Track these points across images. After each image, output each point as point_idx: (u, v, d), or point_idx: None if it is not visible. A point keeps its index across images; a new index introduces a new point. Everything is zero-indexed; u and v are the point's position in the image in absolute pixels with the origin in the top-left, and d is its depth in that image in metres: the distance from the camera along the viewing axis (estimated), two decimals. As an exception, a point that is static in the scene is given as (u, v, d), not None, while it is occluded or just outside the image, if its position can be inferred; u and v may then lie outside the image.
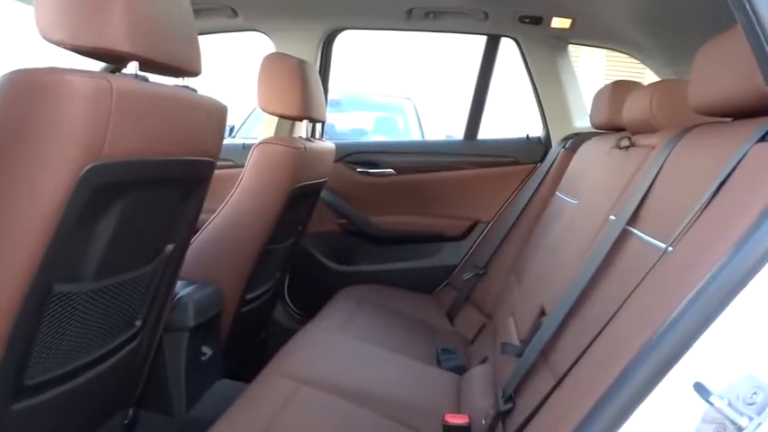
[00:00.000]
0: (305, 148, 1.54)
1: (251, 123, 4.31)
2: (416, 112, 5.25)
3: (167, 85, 0.92)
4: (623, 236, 0.93)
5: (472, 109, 2.10)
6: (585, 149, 1.66)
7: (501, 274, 1.82)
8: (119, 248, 0.92)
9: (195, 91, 1.01)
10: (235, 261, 1.52)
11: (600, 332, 0.73)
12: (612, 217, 1.04)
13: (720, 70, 0.78)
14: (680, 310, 0.51)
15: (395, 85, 7.01)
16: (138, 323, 1.11)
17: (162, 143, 0.89)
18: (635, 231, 0.90)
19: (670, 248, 0.68)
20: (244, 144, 2.14)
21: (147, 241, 1.02)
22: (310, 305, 2.10)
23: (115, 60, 0.86)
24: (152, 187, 0.93)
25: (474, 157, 2.09)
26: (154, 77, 0.93)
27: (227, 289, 1.49)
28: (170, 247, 1.10)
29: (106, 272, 0.92)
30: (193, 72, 0.98)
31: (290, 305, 2.15)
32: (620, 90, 1.43)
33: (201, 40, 2.09)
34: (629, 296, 0.70)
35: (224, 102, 1.10)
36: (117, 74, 0.84)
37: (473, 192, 2.07)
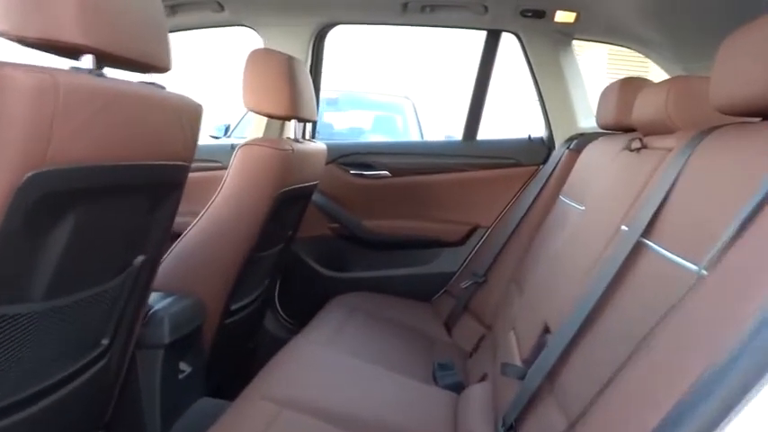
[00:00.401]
0: (292, 149, 1.44)
1: (247, 123, 4.22)
2: (415, 112, 5.15)
3: (128, 82, 0.82)
4: (637, 249, 0.83)
5: (471, 108, 2.00)
6: (591, 151, 1.56)
7: (501, 282, 1.73)
8: (75, 264, 0.82)
9: (163, 88, 0.91)
10: (217, 270, 1.42)
11: (621, 368, 0.63)
12: (624, 227, 0.94)
13: (748, 64, 0.69)
14: (728, 356, 0.41)
15: (392, 83, 6.91)
16: (105, 342, 1.01)
17: (122, 146, 0.79)
18: (651, 245, 0.81)
19: (704, 272, 0.58)
20: (233, 144, 2.05)
21: (110, 254, 0.92)
22: (302, 313, 2.01)
23: (67, 54, 0.77)
24: (112, 195, 0.84)
25: (473, 158, 1.99)
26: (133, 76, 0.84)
27: (208, 300, 1.40)
28: (140, 258, 1.00)
29: (60, 290, 0.82)
30: (161, 67, 0.89)
31: (281, 313, 2.06)
32: (629, 87, 1.34)
33: (192, 35, 2.02)
34: (655, 327, 0.60)
35: (199, 100, 1.01)
36: (68, 69, 0.75)
37: (472, 195, 1.97)
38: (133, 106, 0.80)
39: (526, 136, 2.00)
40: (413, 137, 4.93)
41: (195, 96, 0.99)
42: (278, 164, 1.40)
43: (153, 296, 1.27)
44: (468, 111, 2.00)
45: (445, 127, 5.62)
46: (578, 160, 1.63)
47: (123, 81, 0.80)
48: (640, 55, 1.96)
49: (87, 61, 0.75)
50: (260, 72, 1.43)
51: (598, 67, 6.53)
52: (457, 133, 2.22)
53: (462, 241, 1.97)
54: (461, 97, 2.39)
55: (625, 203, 1.01)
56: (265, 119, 1.89)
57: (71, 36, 0.72)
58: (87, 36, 0.73)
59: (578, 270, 1.06)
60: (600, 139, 1.55)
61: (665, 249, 0.75)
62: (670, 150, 0.95)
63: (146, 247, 1.01)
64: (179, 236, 1.41)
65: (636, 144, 1.11)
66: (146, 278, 1.05)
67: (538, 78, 1.90)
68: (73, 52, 0.75)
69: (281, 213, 1.53)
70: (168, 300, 1.28)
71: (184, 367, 1.31)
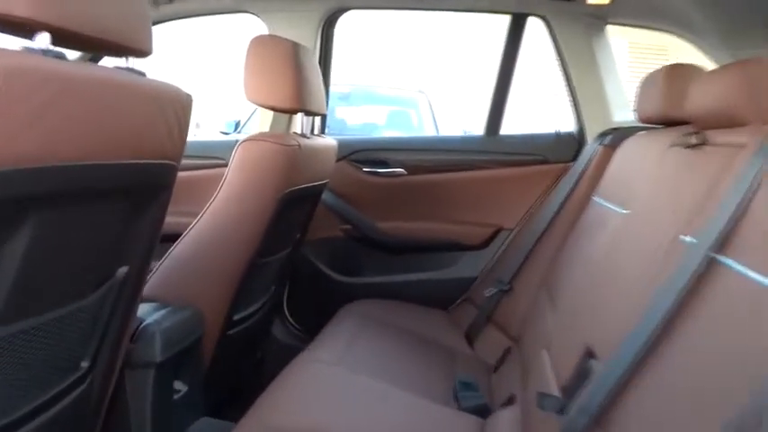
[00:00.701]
0: (299, 145, 1.31)
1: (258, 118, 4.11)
2: (430, 107, 5.01)
3: (94, 66, 0.69)
4: (711, 267, 0.68)
5: (494, 100, 1.85)
6: (630, 147, 1.41)
7: (529, 290, 1.58)
8: (37, 281, 0.70)
9: (142, 75, 0.78)
10: (217, 278, 1.30)
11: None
12: (687, 238, 0.79)
13: None
14: None
15: (406, 76, 6.75)
16: (85, 364, 0.89)
17: (85, 142, 0.66)
18: (730, 263, 0.66)
19: None
20: (239, 140, 1.92)
21: (83, 267, 0.80)
22: (312, 320, 1.89)
23: (21, 32, 0.64)
24: (79, 201, 0.71)
25: (496, 154, 1.84)
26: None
27: (208, 311, 1.27)
28: (122, 270, 0.88)
29: (21, 312, 0.70)
30: (138, 49, 0.76)
31: (290, 320, 1.93)
32: (679, 75, 1.18)
33: (199, 24, 1.89)
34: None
35: (188, 90, 0.88)
36: (18, 48, 0.62)
37: (495, 194, 1.82)
38: (99, 94, 0.67)
39: (553, 131, 1.84)
40: (428, 133, 4.79)
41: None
42: (283, 161, 1.27)
43: (144, 308, 1.15)
44: (491, 103, 1.85)
45: (463, 122, 5.45)
46: (614, 157, 1.47)
47: (87, 65, 0.67)
48: (660, 45, 1.79)
49: (42, 40, 0.62)
50: (263, 60, 1.30)
51: (619, 58, 6.28)
52: (475, 129, 2.08)
53: (484, 245, 1.83)
54: (479, 91, 2.24)
55: (684, 209, 0.86)
56: (271, 113, 1.76)
57: (21, 9, 0.59)
58: (41, 10, 0.60)
59: (627, 284, 0.91)
60: (640, 133, 1.39)
61: (755, 272, 0.60)
62: (742, 147, 0.80)
63: (129, 257, 0.89)
64: (177, 238, 1.30)
65: (694, 139, 0.96)
66: (131, 291, 0.93)
67: (568, 67, 1.73)
68: (26, 29, 0.63)
69: (288, 215, 1.41)
70: (162, 312, 1.16)
71: (180, 386, 1.19)
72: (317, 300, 1.89)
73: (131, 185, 0.79)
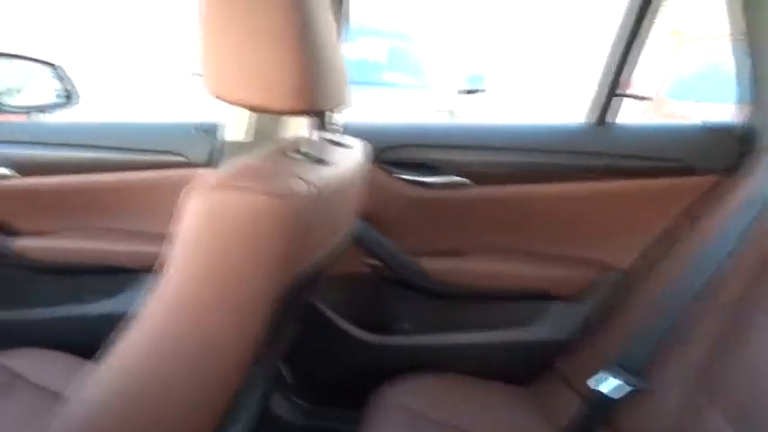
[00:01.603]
0: (316, 188, 0.67)
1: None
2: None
3: None
4: None
5: (606, 68, 1.18)
6: None
7: (675, 388, 1.00)
8: None
9: None
10: (187, 415, 0.70)
11: None
12: None
13: None
14: None
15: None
16: None
17: None
18: None
19: None
20: (196, 126, 1.25)
21: None
22: (325, 393, 1.34)
23: None
24: None
25: (607, 157, 1.20)
26: None
27: None
28: None
29: None
30: None
31: (294, 388, 1.36)
32: None
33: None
34: None
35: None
36: None
37: (603, 218, 1.22)
38: None
39: (699, 122, 1.19)
40: (427, 76, 4.12)
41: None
42: (286, 227, 0.63)
43: None
44: (602, 73, 1.19)
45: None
46: None
47: None
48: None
49: None
50: (234, 21, 0.63)
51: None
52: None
53: (582, 294, 1.23)
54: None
55: None
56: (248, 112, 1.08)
57: None
58: None
59: None
60: None
61: None
62: None
63: None
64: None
65: None
66: None
67: (747, 20, 1.06)
68: None
69: (298, 296, 0.79)
70: None
71: None
72: (332, 367, 1.31)
73: None
